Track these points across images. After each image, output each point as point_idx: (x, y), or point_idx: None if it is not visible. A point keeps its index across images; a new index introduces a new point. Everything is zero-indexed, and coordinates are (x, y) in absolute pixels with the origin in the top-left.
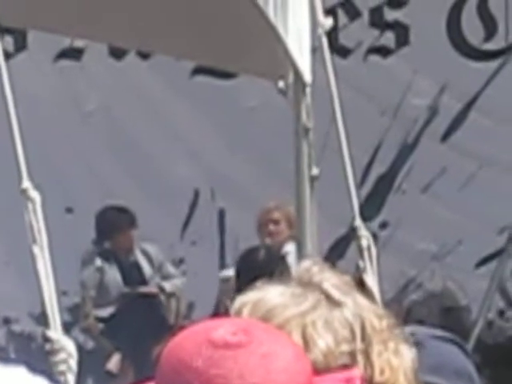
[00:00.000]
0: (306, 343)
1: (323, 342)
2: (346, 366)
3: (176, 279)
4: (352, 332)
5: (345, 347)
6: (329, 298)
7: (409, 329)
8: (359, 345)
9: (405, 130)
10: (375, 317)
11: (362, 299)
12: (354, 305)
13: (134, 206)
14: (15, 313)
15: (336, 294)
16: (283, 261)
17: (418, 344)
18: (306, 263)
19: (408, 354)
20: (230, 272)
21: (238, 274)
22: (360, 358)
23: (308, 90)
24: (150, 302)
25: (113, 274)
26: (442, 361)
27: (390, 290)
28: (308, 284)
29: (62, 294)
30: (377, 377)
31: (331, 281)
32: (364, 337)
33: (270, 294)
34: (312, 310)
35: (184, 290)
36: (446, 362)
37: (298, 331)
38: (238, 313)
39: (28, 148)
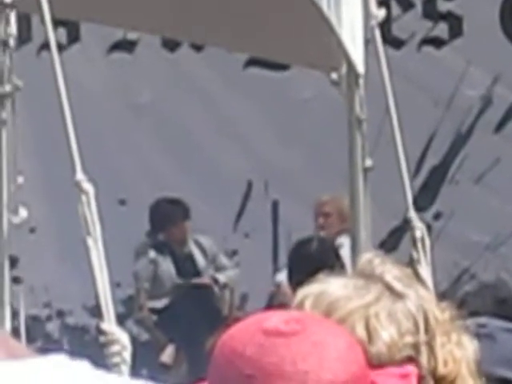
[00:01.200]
0: (370, 335)
1: (387, 333)
2: (410, 358)
3: (229, 271)
4: (415, 324)
5: (408, 339)
6: (391, 290)
7: (481, 320)
8: (423, 337)
9: (458, 121)
10: (437, 308)
11: (423, 291)
12: (417, 297)
13: (187, 198)
14: (69, 305)
15: (398, 286)
16: (336, 253)
17: (488, 336)
18: (367, 255)
19: (470, 345)
20: (282, 276)
21: (291, 265)
22: (423, 350)
23: (361, 81)
24: (203, 293)
25: (167, 266)
26: None
27: (444, 281)
28: (370, 276)
29: (115, 285)
30: (440, 368)
31: (393, 273)
32: (427, 328)
33: (332, 286)
34: (375, 302)
35: (237, 281)
36: None
37: (361, 323)
38: (300, 305)
39: (81, 140)
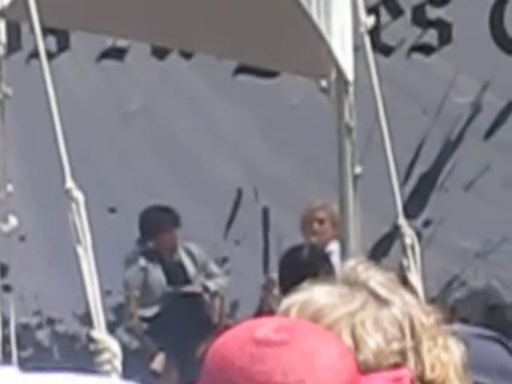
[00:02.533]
0: (356, 343)
1: (373, 341)
2: (396, 365)
3: (220, 278)
4: (401, 330)
5: (395, 346)
6: (376, 296)
7: (452, 328)
8: (409, 342)
9: (447, 128)
10: (423, 313)
11: (408, 296)
12: (402, 302)
13: (177, 206)
14: (59, 313)
15: (383, 293)
16: (327, 259)
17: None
18: (350, 262)
19: (457, 349)
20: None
21: (281, 272)
22: (410, 356)
23: (351, 88)
24: (193, 301)
25: (157, 274)
26: (486, 360)
27: (434, 288)
28: (354, 283)
29: (106, 293)
30: (428, 373)
31: (377, 279)
32: (414, 334)
33: (317, 294)
34: (361, 309)
35: (228, 289)
36: (490, 360)
37: (347, 331)
38: (286, 314)
39: (71, 148)
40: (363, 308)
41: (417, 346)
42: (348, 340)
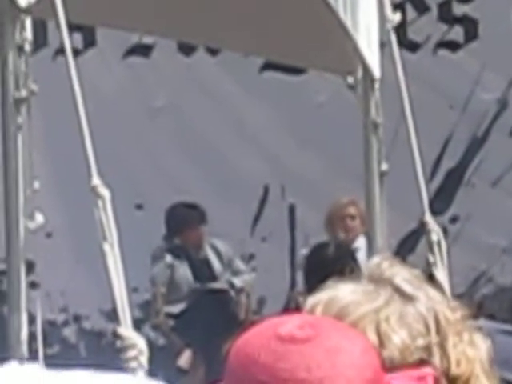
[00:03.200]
0: (381, 339)
1: (398, 337)
2: (422, 361)
3: (246, 275)
4: (426, 326)
5: (420, 342)
6: (401, 292)
7: (478, 323)
8: (434, 338)
9: (474, 124)
10: (448, 309)
11: (433, 292)
12: (427, 298)
13: (203, 203)
14: (86, 310)
15: (408, 289)
16: (353, 256)
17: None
18: (375, 259)
19: (483, 344)
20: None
21: (307, 269)
22: (436, 352)
23: (377, 85)
24: (220, 298)
25: (183, 271)
26: (510, 355)
27: (461, 285)
28: (379, 280)
29: (132, 290)
30: (453, 369)
31: (402, 275)
32: (439, 330)
33: (341, 292)
34: (385, 305)
35: (254, 285)
36: None
37: (372, 328)
38: (311, 312)
39: (97, 145)
40: (388, 304)
41: (442, 342)
42: (373, 336)
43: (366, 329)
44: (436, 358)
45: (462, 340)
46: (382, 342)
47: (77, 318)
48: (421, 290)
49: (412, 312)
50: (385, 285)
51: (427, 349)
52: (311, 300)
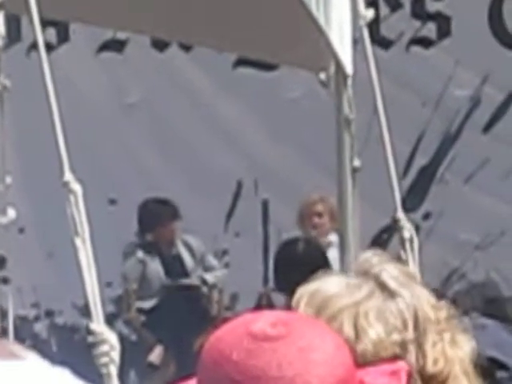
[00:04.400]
0: (357, 333)
1: (373, 331)
2: (396, 356)
3: (218, 271)
4: (404, 322)
5: (395, 337)
6: (384, 288)
7: (472, 315)
8: (411, 334)
9: (447, 121)
10: (431, 307)
11: (420, 290)
12: (410, 296)
13: (177, 198)
14: (58, 305)
15: (392, 285)
16: (323, 253)
17: (480, 326)
18: (366, 254)
19: (466, 345)
20: None
21: (276, 266)
22: (411, 348)
23: (349, 81)
24: (191, 294)
25: (155, 267)
26: None
27: (433, 281)
28: (365, 274)
29: (106, 285)
30: (429, 367)
31: (389, 272)
32: (417, 327)
33: (326, 284)
34: (366, 299)
35: (227, 281)
36: None
37: (350, 321)
38: (297, 304)
39: (71, 139)
40: (368, 298)
41: (419, 339)
42: (350, 330)
43: (344, 322)
44: (411, 355)
45: (442, 339)
46: (357, 336)
47: (49, 313)
48: (406, 287)
49: (391, 308)
50: (369, 279)
51: (402, 345)
52: (299, 291)
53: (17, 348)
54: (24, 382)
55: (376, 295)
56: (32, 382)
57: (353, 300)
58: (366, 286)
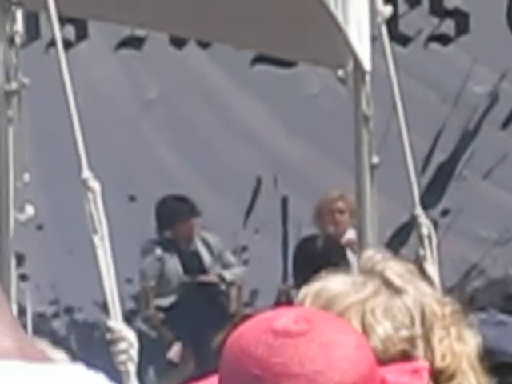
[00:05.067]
0: (365, 330)
1: (382, 328)
2: (405, 353)
3: (236, 268)
4: (411, 318)
5: (403, 333)
6: (389, 285)
7: (489, 313)
8: (418, 330)
9: (465, 118)
10: (437, 303)
11: (425, 287)
12: (416, 292)
13: (196, 194)
14: (78, 301)
15: (397, 281)
16: (342, 250)
17: (500, 322)
18: (369, 252)
19: (473, 340)
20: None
21: (295, 262)
22: (419, 344)
23: (368, 78)
24: (210, 291)
25: (173, 264)
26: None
27: (452, 277)
28: (370, 272)
29: (126, 281)
30: (438, 362)
31: (393, 269)
32: (424, 323)
33: (331, 283)
34: (372, 297)
35: (246, 278)
36: None
37: (357, 318)
38: (302, 303)
39: (90, 137)
40: (374, 296)
41: (427, 334)
42: (358, 327)
43: (352, 319)
44: (419, 351)
45: (449, 334)
46: (366, 333)
47: (68, 310)
48: (410, 283)
49: (398, 304)
50: (374, 277)
51: (410, 340)
52: (303, 290)
53: (47, 348)
54: None
55: (382, 292)
56: None
57: (359, 297)
58: (372, 284)
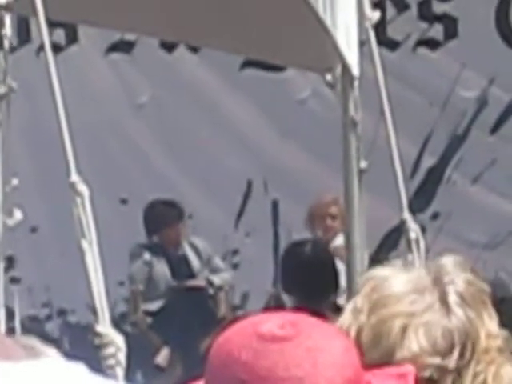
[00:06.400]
0: (402, 343)
1: (417, 346)
2: (430, 379)
3: (224, 273)
4: (451, 346)
5: (436, 360)
6: (444, 302)
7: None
8: (453, 363)
9: (454, 122)
10: (486, 335)
11: (483, 314)
12: (465, 317)
13: (187, 197)
14: (71, 304)
15: (452, 301)
16: (330, 255)
17: None
18: (448, 258)
19: (509, 377)
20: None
21: (282, 268)
22: (449, 377)
23: (356, 83)
24: (198, 295)
25: (161, 268)
26: None
27: None
28: (437, 281)
29: (119, 284)
30: None
31: (458, 285)
32: (462, 355)
33: (396, 278)
34: (421, 313)
35: (236, 281)
36: None
37: (399, 330)
38: (362, 286)
39: (81, 139)
40: (424, 312)
41: (460, 370)
42: (397, 337)
43: (392, 329)
44: (448, 382)
45: (486, 371)
46: (401, 344)
47: (62, 313)
48: (466, 306)
49: (443, 326)
50: (434, 289)
51: (441, 370)
52: (369, 273)
53: (37, 344)
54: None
55: (434, 309)
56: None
57: (409, 309)
58: (429, 297)
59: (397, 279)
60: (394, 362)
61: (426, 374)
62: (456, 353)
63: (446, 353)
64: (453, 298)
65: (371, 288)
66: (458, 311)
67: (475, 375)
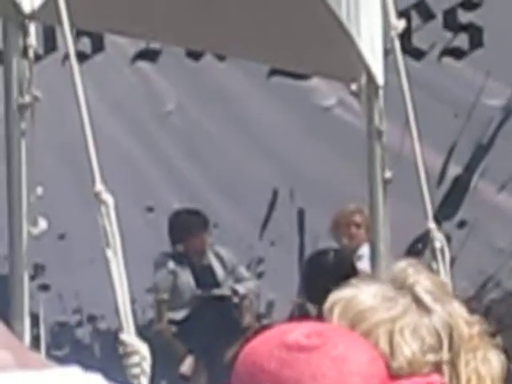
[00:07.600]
0: (393, 350)
1: (409, 350)
2: (429, 375)
3: (249, 282)
4: (439, 341)
5: (430, 357)
6: (419, 303)
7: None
8: (446, 355)
9: (479, 131)
10: (465, 324)
11: (454, 304)
12: (444, 312)
13: (213, 206)
14: (101, 310)
15: (427, 300)
16: (352, 264)
17: None
18: (402, 263)
19: (497, 361)
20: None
21: (305, 277)
22: (445, 369)
23: (381, 92)
24: (222, 304)
25: (186, 277)
26: None
27: (469, 289)
28: (401, 286)
29: (147, 291)
30: None
31: (424, 285)
32: (451, 346)
33: (362, 294)
34: (401, 316)
35: (262, 290)
36: None
37: (385, 338)
38: (330, 312)
39: (108, 148)
40: (404, 314)
41: (453, 359)
42: (385, 346)
43: (380, 338)
44: (445, 375)
45: (475, 357)
46: (393, 353)
47: (92, 319)
48: (440, 301)
49: (427, 325)
50: (405, 292)
51: (437, 365)
52: (332, 297)
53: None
54: None
55: (412, 310)
56: None
57: (389, 315)
58: (403, 301)
59: (363, 295)
60: (392, 372)
61: (425, 371)
62: (445, 346)
63: (436, 348)
64: (426, 297)
65: (343, 308)
66: (436, 307)
67: (466, 363)
